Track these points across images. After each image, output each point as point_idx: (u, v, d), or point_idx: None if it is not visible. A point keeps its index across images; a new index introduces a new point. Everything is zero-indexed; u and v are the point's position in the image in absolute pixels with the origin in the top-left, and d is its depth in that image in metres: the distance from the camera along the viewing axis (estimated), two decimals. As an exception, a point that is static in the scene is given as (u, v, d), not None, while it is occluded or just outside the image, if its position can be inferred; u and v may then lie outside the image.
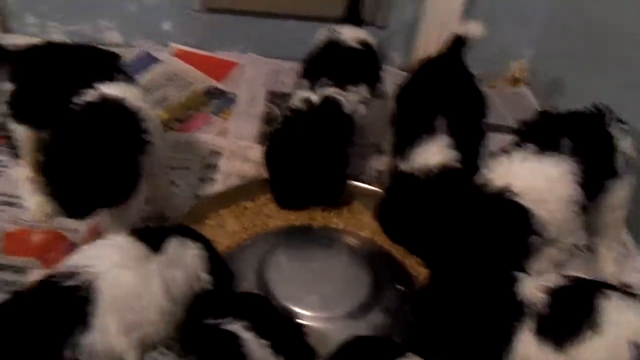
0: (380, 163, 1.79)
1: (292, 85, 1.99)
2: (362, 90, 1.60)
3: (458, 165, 1.37)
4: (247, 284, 1.25)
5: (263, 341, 0.85)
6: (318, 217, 1.53)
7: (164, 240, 1.00)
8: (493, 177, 1.23)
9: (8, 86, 1.36)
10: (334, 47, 1.64)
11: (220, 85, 2.15)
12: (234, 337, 0.84)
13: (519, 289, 1.02)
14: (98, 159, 1.11)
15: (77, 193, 1.10)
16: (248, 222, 1.49)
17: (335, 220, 1.52)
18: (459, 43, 1.65)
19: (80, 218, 1.16)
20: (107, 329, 0.86)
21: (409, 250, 1.41)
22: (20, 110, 1.39)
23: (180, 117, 1.95)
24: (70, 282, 0.89)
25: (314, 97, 1.51)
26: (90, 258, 0.94)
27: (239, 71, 2.26)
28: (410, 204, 1.36)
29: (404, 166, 1.40)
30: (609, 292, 0.99)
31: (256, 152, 1.79)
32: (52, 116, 1.34)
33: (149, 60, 2.28)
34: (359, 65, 1.63)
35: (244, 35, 2.36)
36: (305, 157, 1.44)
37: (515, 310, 1.00)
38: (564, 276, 1.06)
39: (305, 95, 1.53)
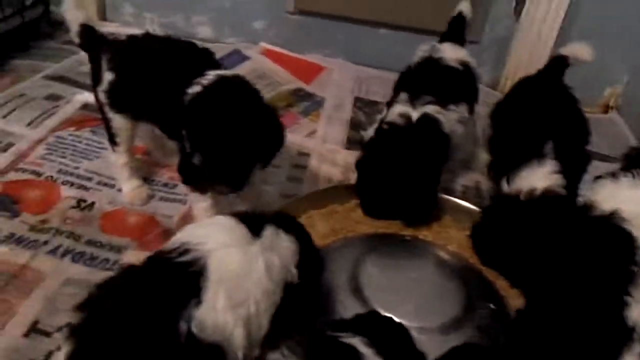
0: (467, 179, 1.78)
1: (381, 95, 2.02)
2: (462, 110, 1.59)
3: (563, 191, 1.34)
4: (340, 287, 1.25)
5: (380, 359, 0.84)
6: (408, 229, 1.51)
7: (262, 226, 1.03)
8: (598, 200, 1.20)
9: (108, 75, 1.40)
10: (435, 64, 1.64)
11: (308, 88, 2.18)
12: (353, 351, 0.84)
13: (629, 314, 0.99)
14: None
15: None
16: (337, 225, 1.50)
17: (424, 232, 1.51)
18: (561, 64, 1.62)
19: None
20: (216, 304, 0.89)
21: (502, 272, 1.38)
22: (118, 100, 1.43)
23: (270, 116, 1.97)
24: (183, 258, 0.92)
25: (414, 114, 1.50)
26: (200, 236, 0.96)
27: (327, 75, 2.28)
28: (511, 226, 1.33)
29: (507, 188, 1.38)
30: None
31: (343, 156, 1.81)
32: (151, 107, 1.40)
33: (239, 57, 2.33)
34: (461, 85, 1.62)
35: (334, 39, 2.38)
36: (398, 173, 1.44)
37: (624, 335, 0.97)
38: None
39: (403, 110, 1.52)
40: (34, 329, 1.16)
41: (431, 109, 1.51)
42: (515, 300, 1.31)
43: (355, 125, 2.01)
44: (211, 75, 1.26)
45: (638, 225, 1.14)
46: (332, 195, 1.57)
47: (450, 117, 1.53)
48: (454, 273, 1.34)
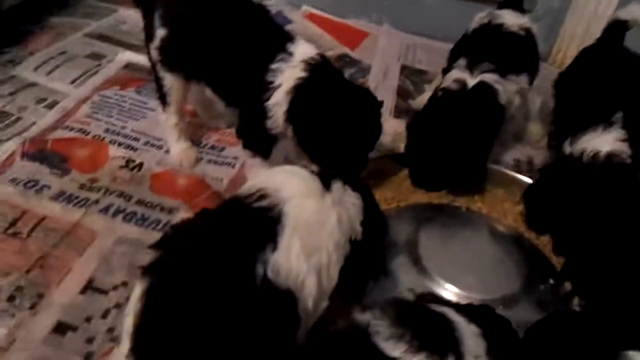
0: (520, 153, 1.73)
1: (428, 64, 1.96)
2: (523, 81, 1.53)
3: (628, 160, 1.28)
4: (399, 256, 1.22)
5: (473, 326, 0.81)
6: (461, 199, 1.48)
7: (329, 181, 1.01)
8: None
9: (160, 32, 1.35)
10: (495, 30, 1.57)
11: (354, 54, 2.12)
12: (445, 319, 0.81)
13: None
14: None
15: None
16: (389, 194, 1.47)
17: (478, 204, 1.47)
18: (620, 28, 1.55)
19: None
20: (290, 251, 0.88)
21: (550, 234, 1.34)
22: (171, 58, 1.38)
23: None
24: (261, 204, 0.91)
25: (470, 81, 1.44)
26: (277, 183, 0.95)
27: (372, 41, 2.22)
28: (569, 188, 1.26)
29: (569, 149, 1.31)
30: None
31: (392, 125, 1.75)
32: (207, 68, 1.36)
33: (281, 20, 2.26)
34: (523, 54, 1.56)
35: (380, 5, 2.31)
36: (447, 140, 1.38)
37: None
38: None
39: (460, 76, 1.46)
40: (90, 287, 1.15)
41: (489, 77, 1.44)
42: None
43: (402, 93, 1.95)
44: (298, 55, 1.25)
45: None
46: (383, 164, 1.53)
47: (508, 88, 1.47)
48: (511, 247, 1.31)
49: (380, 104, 1.32)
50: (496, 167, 1.55)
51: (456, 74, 1.48)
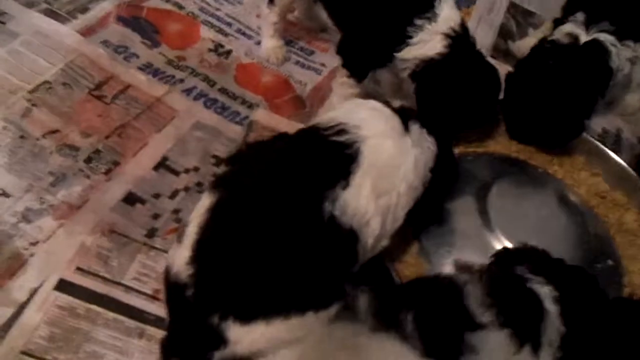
0: (609, 123, 1.64)
1: (539, 6, 1.84)
2: (639, 50, 1.41)
3: None
4: (467, 202, 1.20)
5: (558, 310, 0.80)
6: (538, 157, 1.42)
7: (407, 122, 0.98)
8: None
9: None
10: None
11: (464, -22, 2.00)
12: (538, 303, 0.80)
13: None
14: None
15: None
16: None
17: (555, 167, 1.41)
18: None
19: None
20: (361, 191, 0.87)
21: None
22: None
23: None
24: (339, 138, 0.89)
25: (583, 36, 1.34)
26: (358, 120, 0.93)
27: (485, -31, 2.08)
28: None
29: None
30: None
31: (487, 64, 1.67)
32: None
33: None
34: None
35: None
36: (548, 95, 1.31)
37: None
38: None
39: (573, 30, 1.36)
40: (163, 164, 1.18)
41: (605, 37, 1.33)
42: (630, 262, 1.24)
43: (504, 33, 1.84)
44: (442, 20, 1.20)
45: None
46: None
47: (622, 53, 1.36)
48: (578, 219, 1.26)
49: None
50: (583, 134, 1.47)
51: (569, 27, 1.37)
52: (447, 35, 1.21)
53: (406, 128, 0.97)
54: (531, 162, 1.40)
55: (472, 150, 1.39)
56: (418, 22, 1.19)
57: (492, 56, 1.73)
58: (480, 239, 1.16)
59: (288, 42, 1.55)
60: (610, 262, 1.22)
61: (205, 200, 0.83)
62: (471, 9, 1.89)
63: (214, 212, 0.80)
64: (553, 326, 0.78)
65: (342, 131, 0.90)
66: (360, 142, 0.89)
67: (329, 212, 0.82)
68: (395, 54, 1.23)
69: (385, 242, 0.95)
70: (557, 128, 1.34)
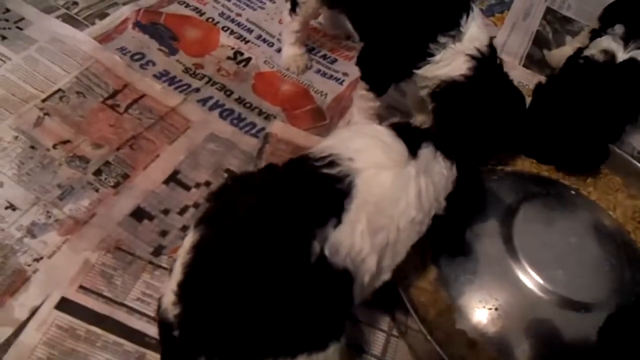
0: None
1: (578, 12, 1.76)
2: None
3: None
4: (491, 226, 1.14)
5: None
6: (572, 176, 1.34)
7: (420, 143, 0.91)
8: None
9: None
10: None
11: (498, -17, 1.92)
12: None
13: None
14: None
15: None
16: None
17: (590, 188, 1.34)
18: None
19: None
20: (355, 228, 0.80)
21: None
22: None
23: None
24: (330, 171, 0.82)
25: (620, 54, 1.26)
26: (353, 150, 0.85)
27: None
28: None
29: None
30: None
31: (518, 74, 1.60)
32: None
33: None
34: None
35: None
36: (576, 116, 1.23)
37: None
38: None
39: (610, 46, 1.28)
40: (174, 179, 1.15)
41: None
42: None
43: (539, 40, 1.76)
44: (468, 39, 1.13)
45: None
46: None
47: None
48: (612, 247, 1.17)
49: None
50: (620, 152, 1.39)
51: (606, 42, 1.29)
52: (472, 57, 1.14)
53: (414, 153, 0.89)
54: (563, 182, 1.34)
55: (500, 169, 1.33)
56: (442, 39, 1.13)
57: (525, 66, 1.67)
58: (503, 267, 1.09)
59: (310, 50, 1.51)
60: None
61: (189, 239, 0.78)
62: (505, 15, 1.82)
63: (198, 252, 0.75)
64: None
65: (333, 163, 0.83)
66: (353, 175, 0.82)
67: (317, 252, 0.75)
68: (415, 70, 1.17)
69: (386, 277, 0.89)
70: (579, 152, 1.27)
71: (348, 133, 0.95)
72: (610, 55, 1.26)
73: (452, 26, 1.13)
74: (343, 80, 1.45)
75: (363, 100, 1.29)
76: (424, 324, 1.02)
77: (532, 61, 1.69)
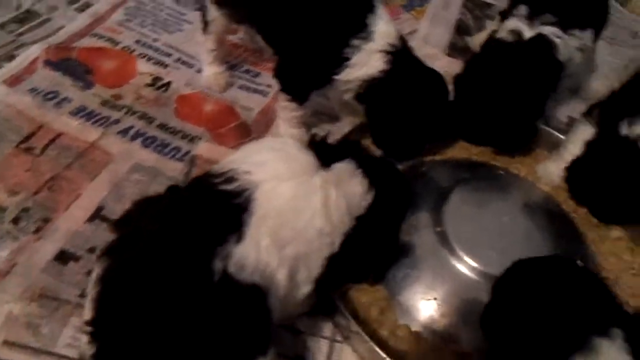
0: (574, 110, 1.57)
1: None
2: (587, 37, 1.34)
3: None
4: (421, 219, 1.14)
5: None
6: (501, 157, 1.36)
7: (338, 158, 0.90)
8: None
9: None
10: None
11: (416, -23, 1.93)
12: None
13: None
14: None
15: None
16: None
17: (517, 165, 1.35)
18: None
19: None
20: (259, 242, 0.79)
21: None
22: None
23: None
24: (228, 187, 0.81)
25: (527, 32, 1.28)
26: (253, 163, 0.85)
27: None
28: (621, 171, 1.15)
29: (626, 131, 1.16)
30: None
31: (443, 64, 1.61)
32: (258, 13, 1.25)
33: None
34: (591, 7, 1.37)
35: None
36: (496, 97, 1.24)
37: None
38: None
39: (517, 26, 1.30)
40: (98, 215, 1.12)
41: (549, 30, 1.27)
42: (604, 258, 1.19)
43: (461, 28, 1.78)
44: (379, 37, 1.15)
45: None
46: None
47: (569, 44, 1.29)
48: (544, 220, 1.18)
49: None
50: (543, 127, 1.40)
51: (513, 23, 1.31)
52: (386, 52, 1.16)
53: (328, 164, 0.88)
54: (492, 164, 1.35)
55: (430, 159, 1.34)
56: (354, 42, 1.14)
57: (450, 54, 1.68)
58: (438, 256, 1.09)
59: (232, 66, 1.50)
60: (579, 262, 1.14)
61: (94, 273, 0.76)
62: (425, 8, 1.83)
63: (103, 285, 0.73)
64: None
65: (231, 178, 0.82)
66: (251, 189, 0.81)
67: (220, 270, 0.74)
68: (334, 76, 1.17)
69: (306, 289, 0.88)
70: (508, 129, 1.28)
71: (252, 146, 0.94)
72: (517, 34, 1.28)
73: (361, 28, 1.15)
74: (268, 93, 1.44)
75: (286, 111, 1.29)
76: (367, 324, 1.02)
77: (456, 49, 1.70)
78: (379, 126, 1.25)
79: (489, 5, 1.88)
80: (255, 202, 0.80)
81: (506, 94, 1.23)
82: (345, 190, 0.88)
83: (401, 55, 1.18)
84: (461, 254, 1.09)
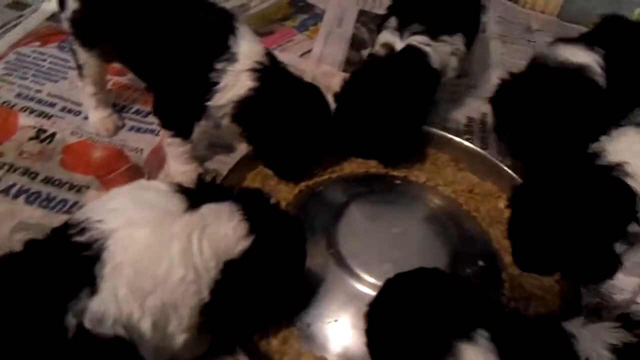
0: (473, 109, 1.60)
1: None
2: (457, 41, 1.37)
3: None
4: (317, 246, 1.11)
5: None
6: (399, 167, 1.36)
7: (209, 200, 0.87)
8: (609, 149, 1.08)
9: (72, 3, 1.21)
10: None
11: (309, -2, 1.95)
12: None
13: (579, 348, 0.79)
14: None
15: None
16: (323, 164, 1.34)
17: (417, 172, 1.36)
18: None
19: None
20: (116, 293, 0.75)
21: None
22: (84, 34, 1.25)
23: (261, 30, 1.75)
24: (79, 238, 0.78)
25: (398, 44, 1.31)
26: (107, 211, 0.82)
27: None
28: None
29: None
30: None
31: (339, 80, 1.60)
32: (123, 49, 1.23)
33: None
34: (459, 11, 1.40)
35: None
36: (374, 110, 1.26)
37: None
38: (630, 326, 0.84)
39: (388, 39, 1.33)
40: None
41: (418, 39, 1.30)
42: (509, 254, 1.17)
43: (356, 43, 1.79)
44: (243, 57, 1.14)
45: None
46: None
47: (441, 50, 1.33)
48: (442, 225, 1.20)
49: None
50: (438, 131, 1.42)
51: (384, 36, 1.35)
52: (254, 70, 1.15)
53: (196, 206, 0.85)
54: (391, 174, 1.35)
55: (327, 177, 1.33)
56: (218, 66, 1.13)
57: (345, 70, 1.69)
58: (336, 278, 1.08)
59: (121, 108, 1.47)
60: (480, 262, 1.16)
61: None
62: (319, 26, 1.84)
63: None
64: None
65: (84, 229, 0.78)
66: (104, 238, 0.77)
67: (74, 326, 0.70)
68: (207, 103, 1.16)
69: (182, 339, 0.84)
70: (391, 141, 1.29)
71: (111, 193, 0.90)
72: (389, 47, 1.31)
73: (222, 50, 1.13)
74: (159, 131, 1.41)
75: (173, 148, 1.27)
76: (269, 356, 1.00)
77: (352, 64, 1.70)
78: (259, 146, 1.24)
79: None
80: (108, 251, 0.77)
81: (384, 107, 1.24)
82: (213, 235, 0.84)
83: (271, 72, 1.17)
84: (357, 271, 1.08)
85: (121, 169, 1.32)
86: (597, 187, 1.04)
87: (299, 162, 1.26)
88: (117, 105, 1.46)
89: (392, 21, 1.34)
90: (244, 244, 0.86)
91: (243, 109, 1.17)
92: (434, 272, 0.84)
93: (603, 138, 1.12)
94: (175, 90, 1.18)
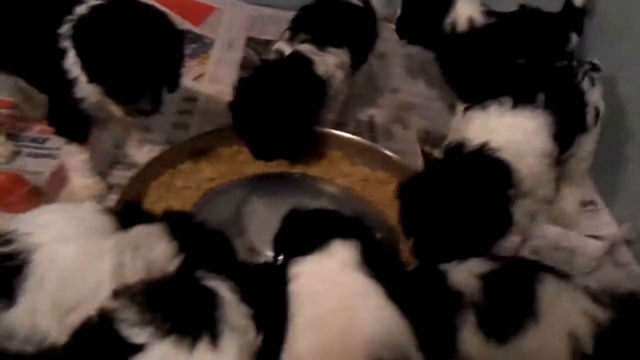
0: (360, 113, 1.73)
1: (276, 34, 1.91)
2: (343, 55, 1.46)
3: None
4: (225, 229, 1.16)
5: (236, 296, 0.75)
6: (297, 166, 1.45)
7: (141, 222, 0.89)
8: (469, 135, 1.16)
9: None
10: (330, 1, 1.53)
11: (197, 30, 2.03)
12: (210, 295, 0.73)
13: (452, 280, 0.91)
14: None
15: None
16: (224, 168, 1.42)
17: (314, 169, 1.45)
18: None
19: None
20: (36, 308, 0.75)
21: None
22: None
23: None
24: (4, 249, 0.79)
25: (287, 51, 1.42)
26: (35, 225, 0.82)
27: (218, 15, 2.13)
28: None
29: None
30: (543, 276, 0.90)
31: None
32: (10, 57, 1.25)
33: None
34: (347, 27, 1.50)
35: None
36: (264, 111, 1.33)
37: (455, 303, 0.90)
38: (495, 259, 0.98)
39: (279, 47, 1.45)
40: None
41: (304, 47, 1.41)
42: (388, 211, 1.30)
43: (247, 66, 1.88)
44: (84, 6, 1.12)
45: (509, 153, 1.12)
46: (219, 138, 1.47)
47: (327, 60, 1.42)
48: (339, 206, 1.26)
49: (177, 32, 1.19)
50: (331, 130, 1.53)
51: (278, 45, 1.47)
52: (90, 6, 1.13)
53: (127, 226, 0.86)
54: (290, 172, 1.43)
55: (228, 179, 1.39)
56: (62, 30, 1.13)
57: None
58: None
59: (17, 137, 1.47)
60: (378, 235, 1.22)
61: None
62: (209, 53, 1.92)
63: None
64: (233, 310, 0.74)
65: (9, 241, 0.79)
66: (28, 251, 0.78)
67: None
68: (65, 69, 1.14)
69: None
70: (286, 141, 1.37)
71: (42, 208, 0.91)
72: (280, 53, 1.43)
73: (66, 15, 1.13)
74: (57, 155, 1.42)
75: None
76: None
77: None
78: (93, 67, 1.12)
79: (271, 41, 2.01)
80: (33, 265, 0.77)
81: (271, 108, 1.32)
82: (146, 254, 0.84)
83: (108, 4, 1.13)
84: (265, 251, 1.14)
85: (21, 192, 1.32)
86: (476, 167, 1.12)
87: (133, 80, 1.13)
88: (14, 135, 1.47)
89: (287, 33, 1.46)
90: (175, 262, 0.86)
91: (76, 28, 1.12)
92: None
93: (454, 128, 1.22)
94: (56, 93, 1.21)
